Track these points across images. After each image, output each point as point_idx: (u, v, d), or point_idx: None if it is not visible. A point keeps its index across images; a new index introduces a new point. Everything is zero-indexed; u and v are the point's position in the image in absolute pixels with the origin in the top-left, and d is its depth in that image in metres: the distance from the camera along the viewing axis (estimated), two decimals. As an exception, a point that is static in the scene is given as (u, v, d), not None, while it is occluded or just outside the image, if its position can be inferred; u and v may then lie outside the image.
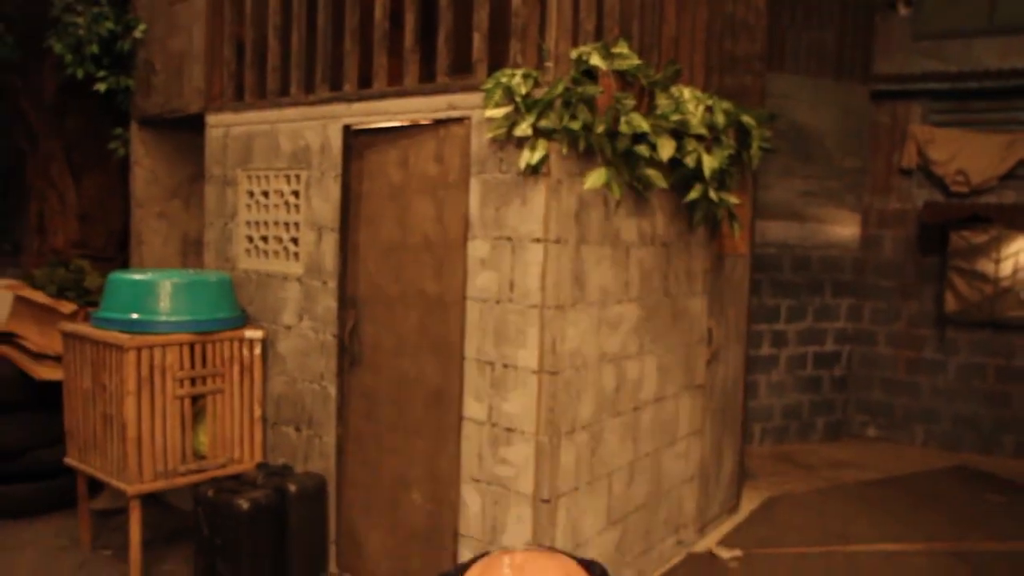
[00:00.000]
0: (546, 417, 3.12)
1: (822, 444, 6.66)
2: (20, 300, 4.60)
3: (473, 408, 3.30)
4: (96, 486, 4.25)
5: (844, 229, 6.60)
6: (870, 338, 6.79)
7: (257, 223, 4.13)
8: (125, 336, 3.58)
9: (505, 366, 3.19)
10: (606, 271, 3.39)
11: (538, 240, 3.09)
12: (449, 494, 3.40)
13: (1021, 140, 6.13)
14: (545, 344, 3.09)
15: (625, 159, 3.28)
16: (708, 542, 4.38)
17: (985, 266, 6.25)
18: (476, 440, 3.29)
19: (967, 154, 6.28)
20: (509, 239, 3.16)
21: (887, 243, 6.73)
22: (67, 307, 4.51)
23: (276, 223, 4.04)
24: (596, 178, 3.17)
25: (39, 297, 4.56)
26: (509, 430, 3.19)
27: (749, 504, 5.00)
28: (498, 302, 3.21)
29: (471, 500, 3.32)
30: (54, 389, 4.22)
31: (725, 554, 4.21)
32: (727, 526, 4.64)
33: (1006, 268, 6.18)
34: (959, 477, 5.85)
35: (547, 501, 3.14)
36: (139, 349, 3.55)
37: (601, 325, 3.38)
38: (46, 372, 4.29)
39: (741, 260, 4.68)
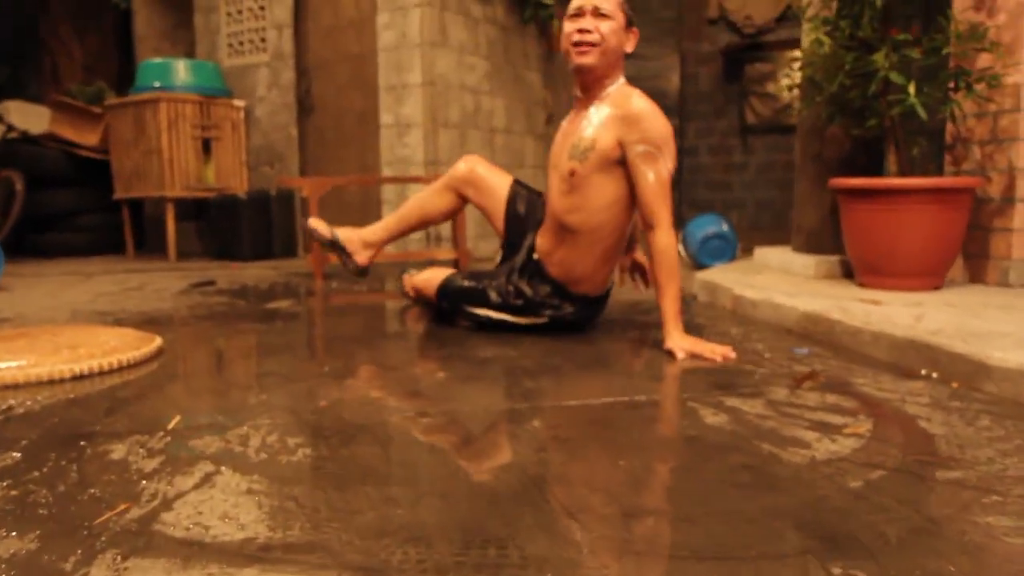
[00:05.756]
0: (429, 115, 5.22)
1: (661, 230, 8.93)
2: (60, 106, 6.44)
3: (385, 118, 5.37)
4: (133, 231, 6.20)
5: (667, 66, 8.82)
6: (694, 150, 9.07)
7: (234, 32, 6.07)
8: (160, 92, 5.53)
9: (403, 86, 5.26)
10: (461, 31, 5.48)
11: (417, 6, 5.14)
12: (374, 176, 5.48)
13: (787, -10, 8.38)
14: (424, 68, 5.18)
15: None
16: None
17: (770, 87, 8.55)
18: (388, 137, 5.37)
19: (752, 2, 8.53)
20: (401, 8, 5.21)
21: (702, 78, 8.97)
22: (96, 109, 6.38)
23: (248, 29, 5.99)
24: (451, -31, 5.23)
25: (75, 102, 6.41)
26: (407, 126, 5.28)
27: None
28: (396, 48, 5.26)
29: (386, 172, 5.41)
30: (90, 169, 6.11)
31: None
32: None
33: (784, 87, 8.49)
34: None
35: (432, 163, 5.26)
36: (168, 101, 5.51)
37: (460, 65, 5.47)
38: (92, 138, 6.17)
39: (570, 60, 6.81)
